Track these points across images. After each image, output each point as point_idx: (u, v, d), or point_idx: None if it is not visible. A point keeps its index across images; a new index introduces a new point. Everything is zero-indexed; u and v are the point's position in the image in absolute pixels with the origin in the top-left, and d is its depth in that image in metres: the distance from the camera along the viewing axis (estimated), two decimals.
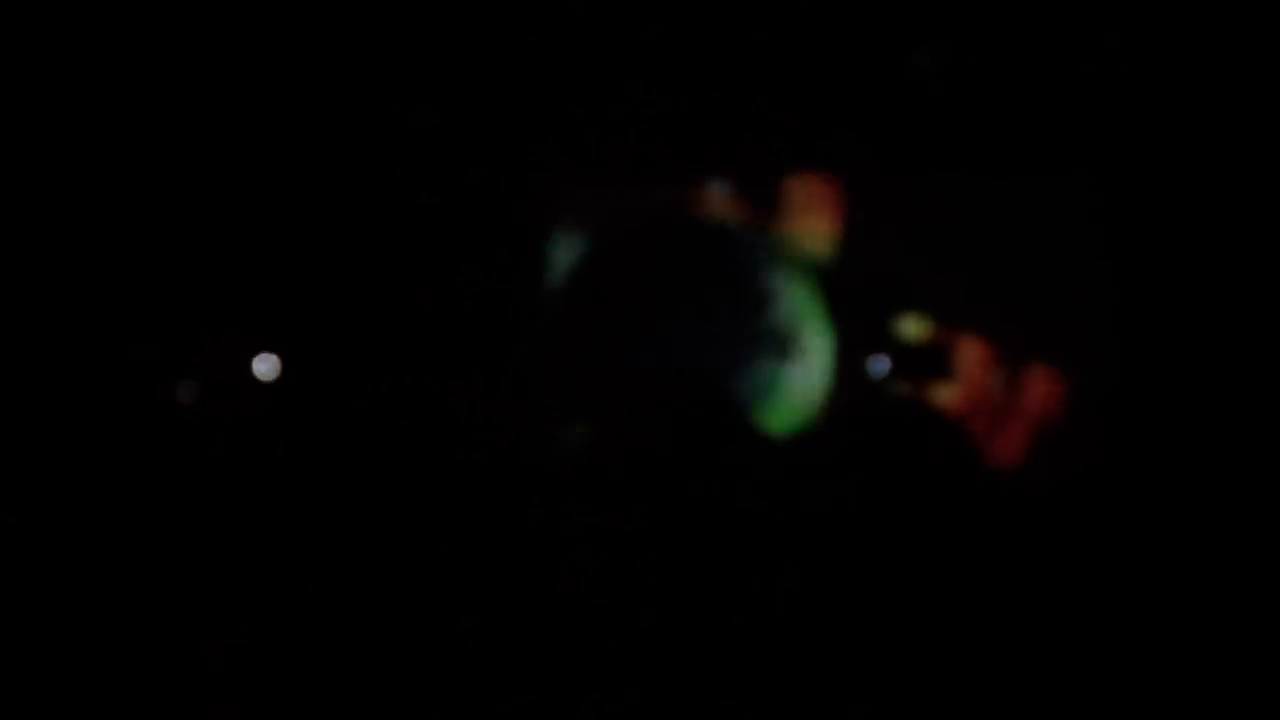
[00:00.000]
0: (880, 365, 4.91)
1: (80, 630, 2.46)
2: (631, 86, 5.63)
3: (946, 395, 5.60)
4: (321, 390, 4.95)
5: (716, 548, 2.39)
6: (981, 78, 5.62)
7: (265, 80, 5.85)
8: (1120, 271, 5.40)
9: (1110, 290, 5.45)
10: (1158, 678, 2.27)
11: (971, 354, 5.67)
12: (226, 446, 2.74)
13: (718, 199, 5.69)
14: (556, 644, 2.33)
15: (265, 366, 5.20)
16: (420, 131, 5.75)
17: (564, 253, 5.26)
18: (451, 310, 5.71)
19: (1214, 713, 2.19)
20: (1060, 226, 5.68)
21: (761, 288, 5.11)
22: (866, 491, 2.42)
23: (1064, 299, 5.62)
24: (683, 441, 2.56)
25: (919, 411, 2.53)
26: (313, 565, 2.49)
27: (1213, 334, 5.33)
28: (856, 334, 5.72)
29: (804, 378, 5.58)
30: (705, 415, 2.65)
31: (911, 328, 6.01)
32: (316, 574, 2.49)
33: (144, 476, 2.63)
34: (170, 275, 5.53)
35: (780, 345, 4.86)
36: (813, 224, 6.06)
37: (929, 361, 5.89)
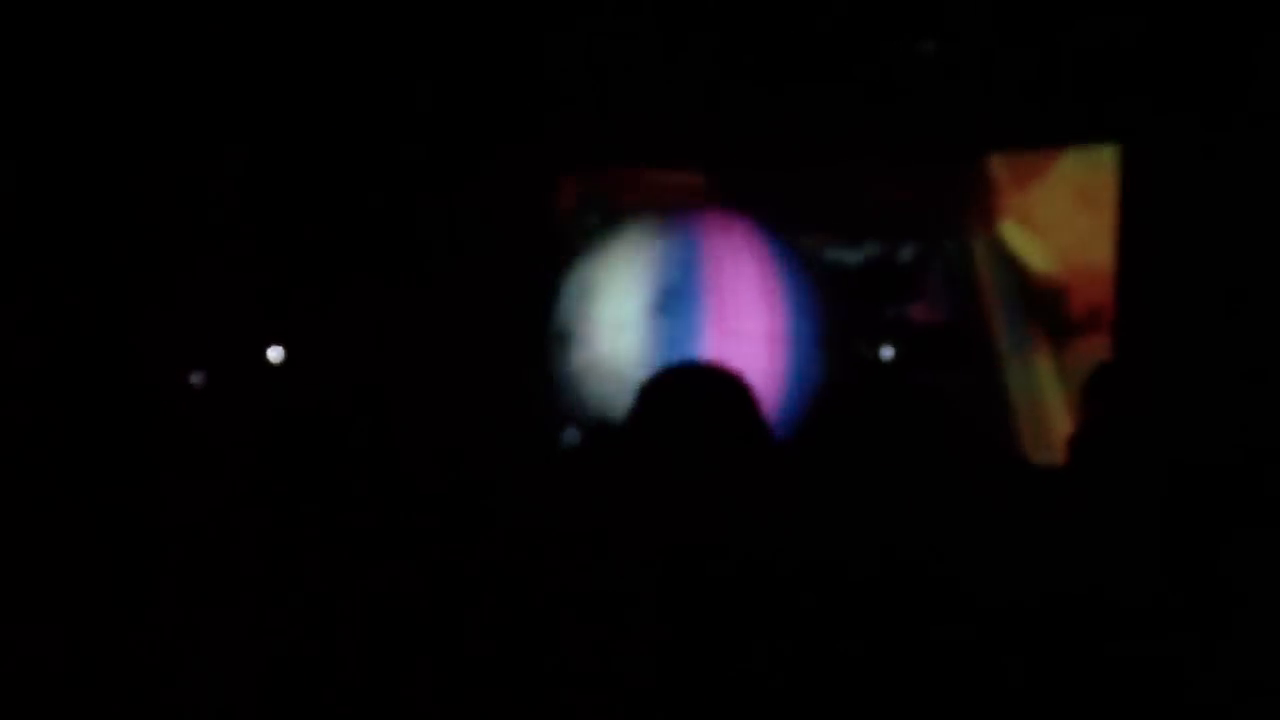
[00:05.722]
0: (885, 350, 4.85)
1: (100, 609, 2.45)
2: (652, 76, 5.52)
3: (953, 379, 5.52)
4: (330, 380, 4.82)
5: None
6: (980, 63, 5.54)
7: (281, 85, 5.80)
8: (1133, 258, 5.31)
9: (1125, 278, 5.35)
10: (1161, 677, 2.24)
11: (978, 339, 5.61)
12: (236, 430, 2.74)
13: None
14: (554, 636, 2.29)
15: (275, 354, 5.11)
16: (422, 131, 5.68)
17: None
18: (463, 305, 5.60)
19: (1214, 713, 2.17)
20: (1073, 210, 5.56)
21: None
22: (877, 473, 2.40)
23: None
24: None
25: (924, 394, 2.51)
26: (318, 549, 2.46)
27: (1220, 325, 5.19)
28: (861, 318, 5.67)
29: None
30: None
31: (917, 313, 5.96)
32: (323, 556, 2.46)
33: (155, 457, 2.62)
34: (182, 269, 5.45)
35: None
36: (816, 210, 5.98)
37: (936, 346, 5.84)
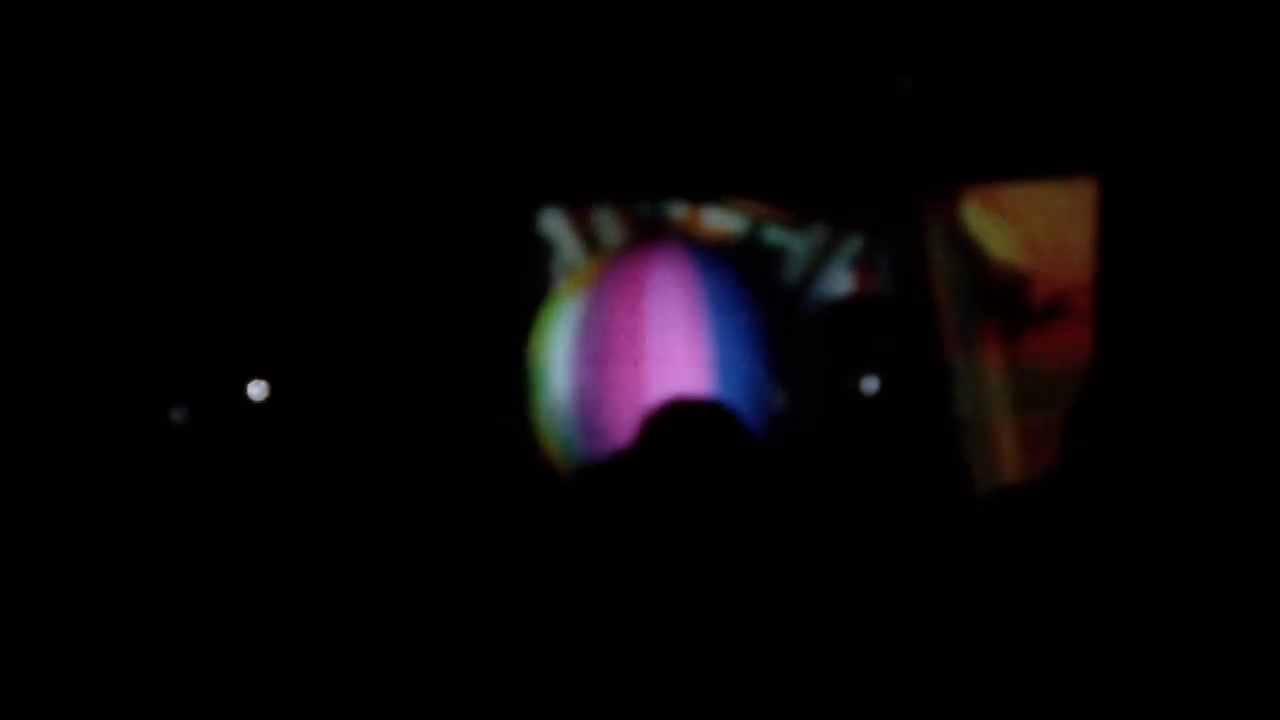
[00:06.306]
0: (869, 383, 4.88)
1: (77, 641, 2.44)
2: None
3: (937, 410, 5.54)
4: (314, 412, 4.81)
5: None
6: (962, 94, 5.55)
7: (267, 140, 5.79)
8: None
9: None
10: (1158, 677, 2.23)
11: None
12: (220, 464, 2.73)
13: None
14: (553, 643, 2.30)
15: (256, 389, 5.09)
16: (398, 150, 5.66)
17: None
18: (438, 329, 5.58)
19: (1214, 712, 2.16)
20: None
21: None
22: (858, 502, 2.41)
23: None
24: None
25: (910, 426, 2.52)
26: (306, 577, 2.46)
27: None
28: (846, 352, 5.72)
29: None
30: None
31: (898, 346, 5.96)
32: (309, 583, 2.46)
33: (142, 491, 2.61)
34: (165, 303, 5.43)
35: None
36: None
37: (920, 378, 5.84)
